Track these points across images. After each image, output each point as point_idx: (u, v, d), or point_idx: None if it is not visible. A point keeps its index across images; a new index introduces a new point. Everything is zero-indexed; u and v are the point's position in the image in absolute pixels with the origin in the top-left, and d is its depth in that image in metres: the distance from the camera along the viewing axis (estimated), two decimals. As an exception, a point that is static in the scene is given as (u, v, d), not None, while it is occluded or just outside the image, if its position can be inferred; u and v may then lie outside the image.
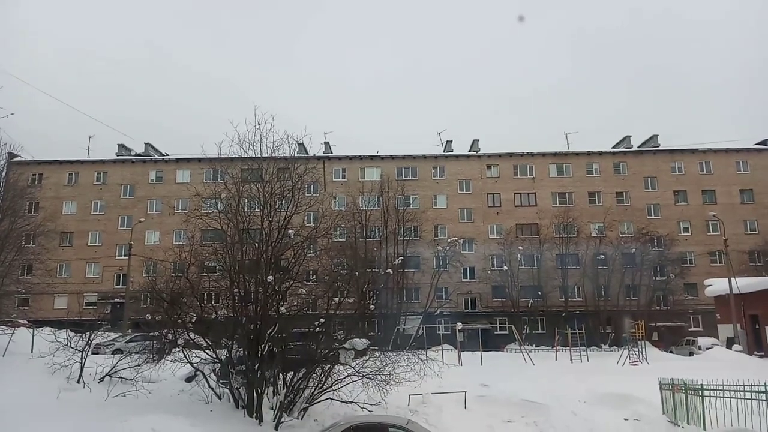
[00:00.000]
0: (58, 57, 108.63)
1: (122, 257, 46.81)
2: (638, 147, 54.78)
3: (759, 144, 52.92)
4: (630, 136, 54.98)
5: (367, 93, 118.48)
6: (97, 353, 19.83)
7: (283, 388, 14.34)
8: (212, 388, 14.64)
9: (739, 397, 12.05)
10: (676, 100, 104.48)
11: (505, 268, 47.36)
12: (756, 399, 11.65)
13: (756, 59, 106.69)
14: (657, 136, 54.65)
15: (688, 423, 13.46)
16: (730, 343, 32.77)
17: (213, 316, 14.97)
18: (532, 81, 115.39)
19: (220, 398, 14.69)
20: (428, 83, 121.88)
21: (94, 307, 44.18)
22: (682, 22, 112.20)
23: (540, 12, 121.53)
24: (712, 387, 12.84)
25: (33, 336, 20.74)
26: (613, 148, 54.99)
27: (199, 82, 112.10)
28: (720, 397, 12.53)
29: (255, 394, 13.94)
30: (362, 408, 14.00)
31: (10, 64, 73.54)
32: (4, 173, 30.54)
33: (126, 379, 15.08)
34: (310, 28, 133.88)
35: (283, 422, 13.78)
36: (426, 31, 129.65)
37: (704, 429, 12.62)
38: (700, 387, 13.07)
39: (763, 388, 11.52)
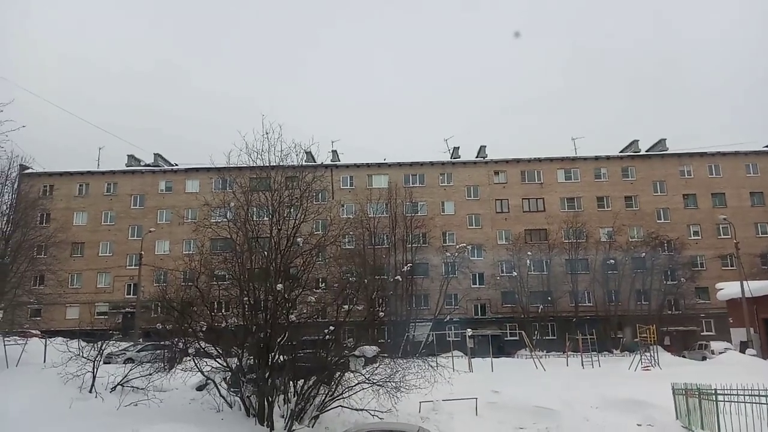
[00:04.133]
0: (67, 69, 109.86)
1: (133, 267, 47.08)
2: (646, 151, 54.53)
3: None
4: (638, 140, 54.82)
5: (374, 101, 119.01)
6: (109, 363, 19.93)
7: (294, 396, 14.36)
8: (223, 397, 14.68)
9: (753, 401, 11.90)
10: (684, 103, 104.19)
11: (515, 273, 47.19)
12: (771, 403, 11.52)
13: (764, 59, 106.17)
14: (665, 139, 54.41)
15: (702, 428, 13.32)
16: (743, 347, 32.40)
17: (223, 325, 15.03)
18: (537, 87, 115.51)
19: (231, 407, 14.72)
20: (435, 91, 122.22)
21: (106, 316, 44.44)
22: (689, 24, 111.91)
23: (545, 20, 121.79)
24: (726, 392, 12.71)
25: (45, 346, 20.88)
26: (620, 152, 54.80)
27: (208, 93, 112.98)
28: (734, 402, 12.39)
29: (266, 403, 13.96)
30: (373, 415, 14.00)
31: (20, 77, 74.55)
32: (16, 185, 30.84)
33: (137, 388, 15.15)
34: (319, 39, 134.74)
35: (294, 430, 13.81)
36: (433, 40, 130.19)
37: (718, 434, 12.49)
38: (713, 392, 12.93)
39: (777, 393, 11.40)
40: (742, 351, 31.49)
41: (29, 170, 46.73)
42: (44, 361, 18.69)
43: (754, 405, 11.90)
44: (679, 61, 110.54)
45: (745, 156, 52.14)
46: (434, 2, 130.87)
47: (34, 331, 33.20)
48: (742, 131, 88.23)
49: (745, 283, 33.30)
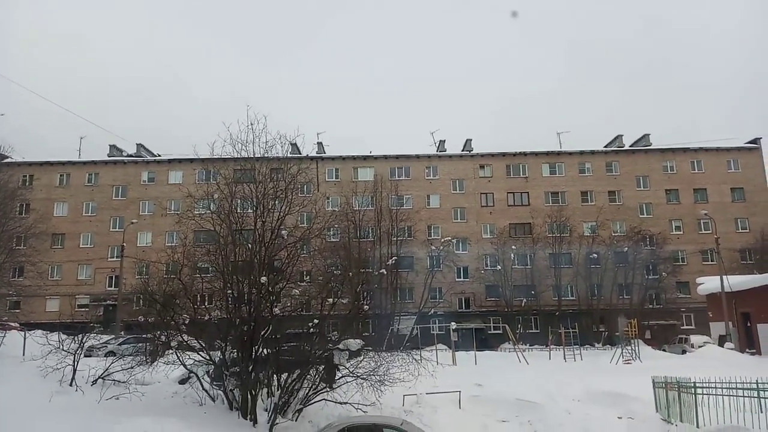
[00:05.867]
0: (48, 56, 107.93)
1: (114, 259, 46.62)
2: (630, 146, 55.07)
3: (749, 143, 53.30)
4: (622, 136, 55.35)
5: (360, 93, 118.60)
6: (90, 356, 19.67)
7: (278, 390, 14.29)
8: (206, 390, 14.55)
9: (731, 394, 12.09)
10: (668, 99, 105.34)
11: (499, 267, 47.46)
12: (748, 396, 11.71)
13: (747, 57, 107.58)
14: (648, 135, 54.98)
15: (681, 421, 13.50)
16: (722, 341, 32.91)
17: (206, 318, 14.89)
18: (524, 82, 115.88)
19: (214, 400, 14.61)
20: (421, 84, 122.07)
21: (87, 309, 43.98)
22: (674, 22, 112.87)
23: (533, 16, 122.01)
24: (704, 385, 12.88)
25: (24, 339, 20.57)
26: (605, 147, 55.28)
27: (192, 82, 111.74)
28: (713, 394, 12.57)
29: (249, 396, 13.88)
30: (357, 409, 13.99)
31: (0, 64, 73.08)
32: (-6, 175, 30.36)
33: (119, 381, 14.96)
34: (304, 32, 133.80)
35: (277, 424, 13.73)
36: (420, 33, 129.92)
37: (697, 427, 12.66)
38: (692, 385, 13.11)
39: (755, 386, 11.58)
40: (721, 345, 31.99)
41: (8, 159, 46.03)
42: (23, 354, 18.42)
43: (731, 398, 12.09)
44: (670, 58, 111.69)
45: (727, 152, 52.86)
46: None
47: (13, 324, 32.70)
48: (734, 126, 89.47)
49: (725, 277, 33.81)
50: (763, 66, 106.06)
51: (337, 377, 14.77)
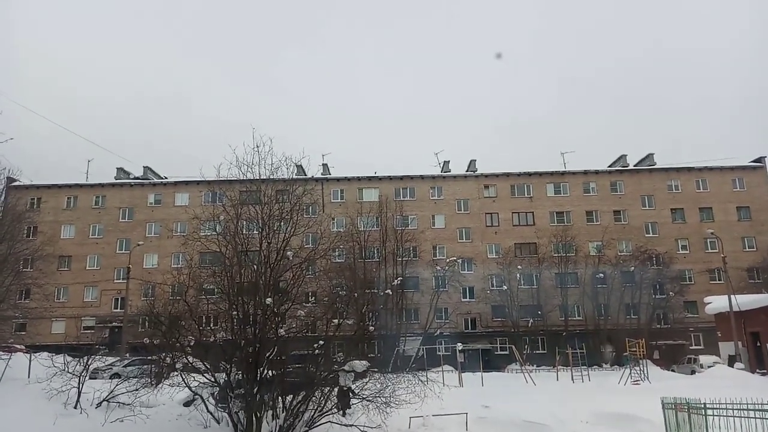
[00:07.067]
0: (57, 80, 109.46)
1: (120, 281, 46.63)
2: (634, 166, 55.16)
3: (754, 162, 53.32)
4: (626, 155, 55.47)
5: (365, 115, 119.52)
6: (95, 378, 19.64)
7: (283, 412, 14.19)
8: (211, 413, 14.49)
9: (742, 415, 11.93)
10: (675, 117, 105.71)
11: (505, 287, 47.26)
12: (760, 417, 11.55)
13: (749, 76, 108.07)
14: (653, 154, 55.10)
15: (691, 443, 13.32)
16: (731, 360, 32.55)
17: (211, 339, 14.87)
18: (527, 104, 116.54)
19: (218, 422, 14.53)
20: (426, 106, 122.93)
21: (92, 331, 43.93)
22: (682, 39, 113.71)
23: (536, 37, 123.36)
24: (715, 406, 12.72)
25: (30, 361, 20.58)
26: (609, 167, 55.36)
27: (197, 107, 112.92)
28: (723, 416, 12.41)
29: (254, 418, 13.79)
30: (362, 431, 13.87)
31: (8, 87, 74.15)
32: (2, 197, 30.55)
33: (124, 403, 14.93)
34: (309, 54, 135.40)
35: (282, 446, 13.63)
36: (426, 58, 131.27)
37: (708, 448, 12.50)
38: (703, 406, 12.95)
39: (766, 407, 11.43)
40: (731, 365, 31.63)
41: (16, 183, 46.37)
42: (29, 377, 18.42)
43: (743, 419, 11.92)
44: (670, 76, 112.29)
45: (732, 171, 52.86)
46: (425, 21, 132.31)
47: (18, 346, 32.68)
48: (737, 143, 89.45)
49: (732, 296, 33.55)
50: (761, 81, 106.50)
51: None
